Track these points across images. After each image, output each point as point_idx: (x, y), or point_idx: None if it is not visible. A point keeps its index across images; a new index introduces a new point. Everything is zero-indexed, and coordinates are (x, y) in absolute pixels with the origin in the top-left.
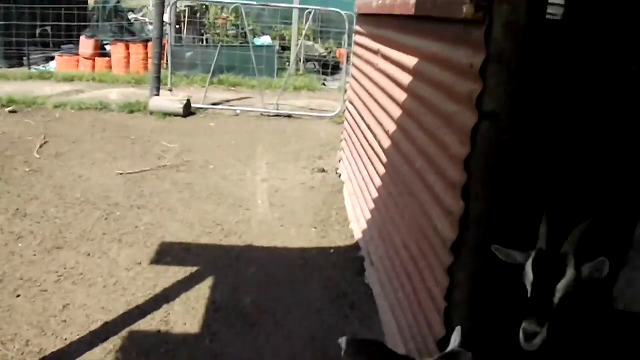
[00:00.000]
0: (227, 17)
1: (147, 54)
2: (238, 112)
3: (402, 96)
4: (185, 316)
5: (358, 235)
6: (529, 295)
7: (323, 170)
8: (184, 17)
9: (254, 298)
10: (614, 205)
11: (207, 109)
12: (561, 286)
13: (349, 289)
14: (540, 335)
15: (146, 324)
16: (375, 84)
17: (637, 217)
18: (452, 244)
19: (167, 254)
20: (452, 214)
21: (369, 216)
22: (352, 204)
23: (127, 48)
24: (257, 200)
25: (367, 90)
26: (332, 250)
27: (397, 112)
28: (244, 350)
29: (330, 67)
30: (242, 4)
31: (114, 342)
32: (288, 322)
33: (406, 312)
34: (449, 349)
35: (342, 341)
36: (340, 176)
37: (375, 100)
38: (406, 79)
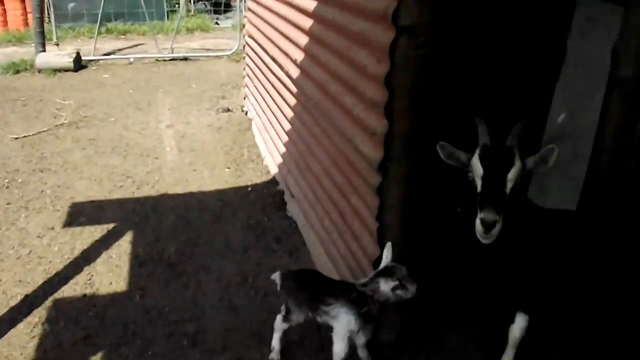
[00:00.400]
0: None
1: (25, 8)
2: (131, 60)
3: (307, 22)
4: (110, 275)
5: (274, 170)
6: (479, 189)
7: (228, 110)
8: None
9: (177, 246)
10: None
11: (98, 60)
12: (511, 175)
13: (272, 225)
14: (498, 224)
15: (70, 290)
16: (277, 13)
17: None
18: (378, 164)
19: (79, 215)
20: (375, 134)
21: (283, 149)
22: (263, 139)
23: (2, 4)
24: (164, 147)
25: (268, 22)
26: (249, 189)
27: (303, 40)
28: (175, 301)
29: (222, 6)
30: None
31: (39, 314)
32: (216, 266)
33: (335, 239)
34: (382, 265)
35: (276, 276)
36: (246, 113)
37: (278, 31)
38: (310, 3)
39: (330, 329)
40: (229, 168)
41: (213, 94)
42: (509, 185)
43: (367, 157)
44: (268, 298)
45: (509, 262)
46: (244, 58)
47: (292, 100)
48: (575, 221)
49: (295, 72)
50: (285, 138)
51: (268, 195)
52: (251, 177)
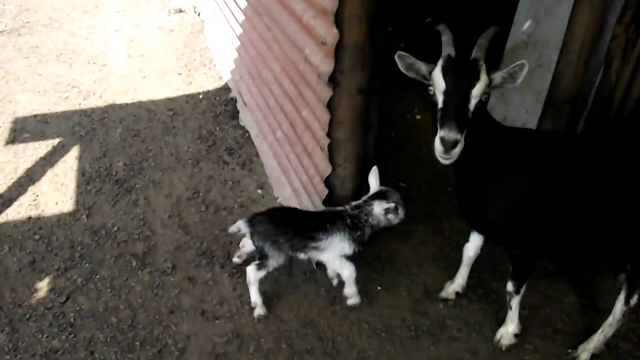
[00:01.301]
0: None
1: None
2: None
3: None
4: (55, 195)
5: (226, 76)
6: (439, 105)
7: (180, 10)
8: None
9: (125, 161)
10: None
11: None
12: (476, 91)
13: (225, 135)
14: (460, 144)
15: (14, 212)
16: None
17: None
18: (328, 77)
19: (22, 130)
20: (325, 44)
21: (235, 54)
22: (215, 43)
23: None
24: (112, 53)
25: None
26: (201, 96)
27: None
28: (124, 219)
29: None
30: None
31: None
32: (165, 179)
33: (287, 151)
34: (374, 189)
35: (240, 225)
36: (199, 14)
37: None
38: None
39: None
40: (180, 74)
41: None
42: (473, 102)
43: (317, 69)
44: (219, 213)
45: (469, 183)
46: None
47: (243, 3)
48: (539, 140)
49: None
50: (238, 42)
51: (220, 103)
52: (203, 84)
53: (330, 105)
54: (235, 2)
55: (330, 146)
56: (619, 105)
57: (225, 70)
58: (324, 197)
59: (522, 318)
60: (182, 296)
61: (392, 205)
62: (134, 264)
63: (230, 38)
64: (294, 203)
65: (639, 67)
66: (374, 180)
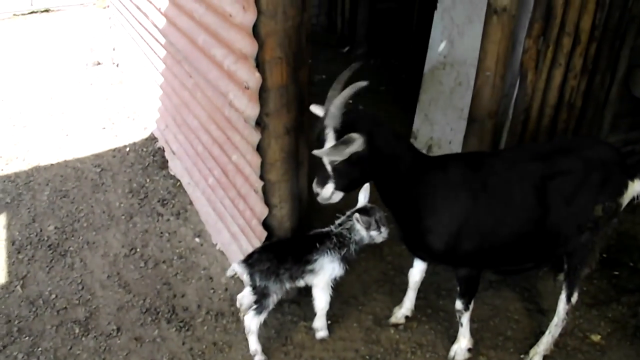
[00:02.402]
0: None
1: None
2: None
3: None
4: None
5: (152, 126)
6: None
7: (98, 63)
8: None
9: (56, 224)
10: None
11: None
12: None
13: (156, 186)
14: (326, 194)
15: None
16: None
17: None
18: (255, 121)
19: None
20: (248, 88)
21: (159, 104)
22: (137, 94)
23: None
24: (31, 111)
25: None
26: (127, 149)
27: None
28: (61, 285)
29: None
30: None
31: None
32: (100, 239)
33: (221, 197)
34: (360, 204)
35: (237, 267)
36: (118, 66)
37: None
38: None
39: None
40: (104, 128)
41: (81, 47)
42: (327, 165)
43: (242, 113)
44: (159, 267)
45: (405, 218)
46: (108, 6)
47: (162, 52)
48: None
49: (161, 21)
50: (160, 91)
51: (148, 154)
52: (129, 136)
53: (259, 148)
54: (153, 51)
55: (264, 188)
56: (538, 114)
57: (150, 120)
58: (263, 239)
59: (473, 331)
60: (131, 358)
61: (369, 219)
62: (77, 330)
63: (152, 87)
64: (233, 248)
65: (551, 76)
66: (362, 197)
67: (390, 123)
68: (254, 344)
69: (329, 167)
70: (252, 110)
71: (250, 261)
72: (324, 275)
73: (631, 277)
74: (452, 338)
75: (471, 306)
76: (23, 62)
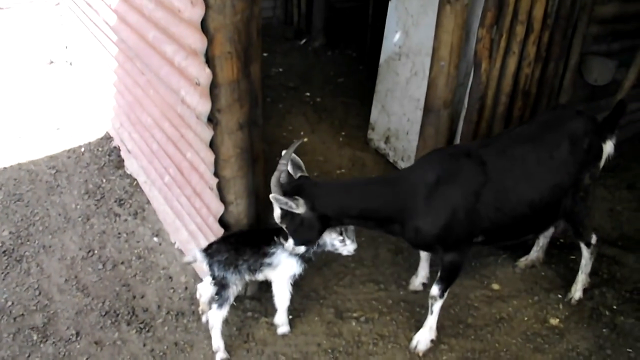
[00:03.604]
0: None
1: None
2: None
3: None
4: None
5: (107, 125)
6: None
7: (51, 62)
8: None
9: (11, 229)
10: None
11: None
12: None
13: (112, 186)
14: (286, 247)
15: None
16: None
17: None
18: (207, 117)
19: None
20: (199, 84)
21: (113, 102)
22: (92, 92)
23: None
24: None
25: None
26: (82, 149)
27: None
28: (17, 291)
29: None
30: None
31: None
32: (57, 242)
33: (177, 195)
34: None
35: (196, 254)
36: (71, 64)
37: None
38: None
39: None
40: (58, 129)
41: (32, 45)
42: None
43: (194, 110)
44: (118, 268)
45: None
46: (59, 3)
47: (115, 49)
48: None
49: (112, 17)
50: (114, 89)
51: (104, 154)
52: (84, 136)
53: (213, 145)
54: (106, 48)
55: (219, 185)
56: (493, 102)
57: (105, 119)
58: (219, 236)
59: None
60: None
61: (340, 237)
62: (35, 337)
63: (106, 86)
64: (192, 246)
65: (505, 65)
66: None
67: (348, 115)
68: (216, 340)
69: (284, 227)
70: (204, 106)
71: (209, 251)
72: (282, 270)
73: None
74: (414, 328)
75: (445, 295)
76: None
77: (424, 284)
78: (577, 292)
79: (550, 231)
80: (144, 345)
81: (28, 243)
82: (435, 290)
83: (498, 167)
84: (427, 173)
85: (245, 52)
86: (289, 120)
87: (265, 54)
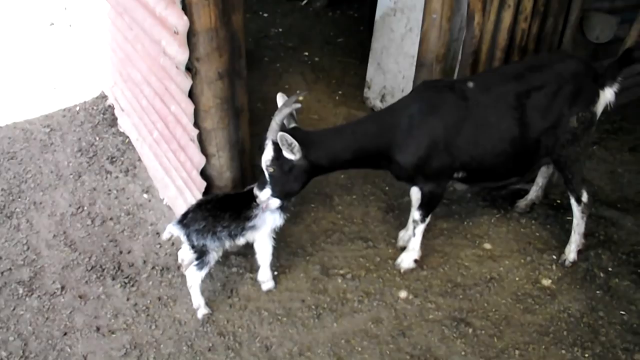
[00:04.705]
0: None
1: None
2: None
3: None
4: None
5: (102, 83)
6: None
7: (51, 24)
8: None
9: (3, 186)
10: None
11: None
12: (265, 166)
13: (105, 144)
14: (259, 197)
15: None
16: None
17: None
18: (185, 65)
19: None
20: (178, 33)
21: (107, 61)
22: (88, 51)
23: None
24: None
25: None
26: (77, 108)
27: None
28: (6, 247)
29: None
30: None
31: None
32: (47, 199)
33: (165, 150)
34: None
35: (171, 229)
36: (70, 26)
37: None
38: None
39: None
40: (55, 88)
41: (33, 8)
42: (266, 172)
43: (174, 59)
44: (106, 224)
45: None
46: None
47: (107, 7)
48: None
49: None
50: (108, 47)
51: (98, 113)
52: (79, 95)
53: (193, 95)
54: (100, 7)
55: (200, 137)
56: (487, 57)
57: (100, 78)
58: (202, 189)
59: (422, 277)
60: (75, 315)
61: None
62: (21, 291)
63: (101, 45)
64: (179, 202)
65: (500, 19)
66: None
67: (345, 75)
68: (196, 299)
69: (266, 173)
70: (182, 55)
71: (185, 221)
72: (265, 228)
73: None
74: (402, 286)
75: (427, 220)
76: None
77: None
78: (571, 253)
79: (549, 171)
80: (128, 299)
81: (19, 200)
82: (416, 214)
83: (480, 102)
84: (410, 105)
85: (223, 1)
86: (286, 80)
87: (265, 15)
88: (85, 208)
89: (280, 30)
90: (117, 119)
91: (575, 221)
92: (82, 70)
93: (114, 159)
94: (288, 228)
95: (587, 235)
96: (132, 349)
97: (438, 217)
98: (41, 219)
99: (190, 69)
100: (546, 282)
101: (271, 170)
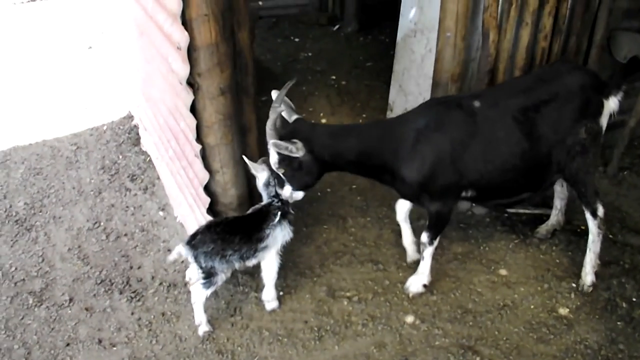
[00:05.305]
0: None
1: None
2: None
3: None
4: None
5: (129, 104)
6: None
7: (90, 47)
8: None
9: (26, 200)
10: None
11: None
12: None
13: (128, 162)
14: (283, 194)
15: None
16: None
17: None
18: (187, 80)
19: None
20: (180, 49)
21: (132, 80)
22: (118, 71)
23: None
24: (18, 93)
25: None
26: (105, 127)
27: None
28: (22, 258)
29: None
30: None
31: None
32: (67, 214)
33: (178, 167)
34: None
35: (180, 250)
36: (90, 48)
37: None
38: None
39: None
40: (86, 108)
41: (73, 32)
42: (280, 172)
43: (178, 75)
44: (120, 240)
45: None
46: None
47: (131, 27)
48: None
49: None
50: (132, 67)
51: (124, 132)
52: (109, 115)
53: (196, 111)
54: (128, 29)
55: (204, 152)
56: (505, 77)
57: (127, 97)
58: (207, 205)
59: (431, 303)
60: (80, 327)
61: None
62: (31, 301)
63: (128, 64)
64: (191, 219)
65: (518, 37)
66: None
67: (371, 98)
68: (199, 315)
69: (280, 173)
70: (184, 70)
71: (193, 242)
72: (276, 246)
73: (608, 250)
74: (410, 311)
75: (435, 242)
76: (19, 48)
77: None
78: (587, 275)
79: (566, 193)
80: (132, 313)
81: (40, 213)
82: (424, 237)
83: (488, 118)
84: (418, 119)
85: (223, 16)
86: (310, 102)
87: (296, 39)
88: (102, 224)
89: (310, 54)
90: (140, 138)
91: (590, 237)
92: (112, 91)
93: (134, 177)
94: (298, 249)
95: (610, 263)
96: None
97: (453, 241)
98: (59, 232)
99: (192, 84)
100: (563, 311)
101: (282, 170)
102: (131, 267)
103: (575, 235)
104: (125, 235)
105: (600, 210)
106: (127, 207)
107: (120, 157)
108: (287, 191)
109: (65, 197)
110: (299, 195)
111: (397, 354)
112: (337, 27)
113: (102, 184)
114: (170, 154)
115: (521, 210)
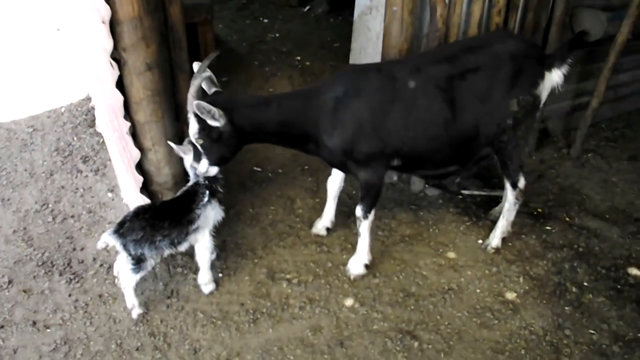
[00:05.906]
0: None
1: None
2: None
3: None
4: None
5: (87, 85)
6: None
7: (58, 29)
8: None
9: None
10: None
11: None
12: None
13: (82, 143)
14: (198, 169)
15: None
16: None
17: None
18: (111, 54)
19: None
20: (105, 22)
21: (87, 61)
22: (75, 53)
23: None
24: None
25: None
26: (63, 109)
27: None
28: None
29: None
30: None
31: None
32: (16, 196)
33: (120, 148)
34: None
35: (106, 239)
36: (58, 30)
37: None
38: None
39: None
40: (46, 91)
41: (42, 13)
42: (198, 145)
43: (104, 49)
44: (66, 222)
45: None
46: None
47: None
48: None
49: None
50: (87, 48)
51: (81, 114)
52: (67, 97)
53: (123, 86)
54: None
55: (134, 130)
56: None
57: (85, 79)
58: (140, 185)
59: (372, 285)
60: (16, 309)
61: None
62: None
63: (83, 45)
64: (135, 200)
65: (470, 12)
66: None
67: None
68: (130, 299)
69: (199, 146)
70: (109, 44)
71: (121, 231)
72: (208, 226)
73: (564, 233)
74: (350, 294)
75: (370, 216)
76: None
77: (327, 229)
78: (494, 239)
79: None
80: (70, 295)
81: None
82: (358, 210)
83: (409, 84)
84: (336, 86)
85: None
86: (272, 83)
87: (265, 20)
88: (50, 205)
89: (277, 35)
90: (95, 119)
91: (506, 205)
92: (73, 73)
93: (87, 159)
94: (242, 230)
95: (564, 246)
96: (62, 344)
97: (402, 222)
98: (6, 215)
99: (118, 59)
100: (510, 295)
101: (201, 142)
102: (74, 249)
103: (530, 218)
104: (72, 217)
105: (522, 182)
106: (76, 188)
107: (75, 138)
108: (203, 166)
109: (16, 179)
110: (214, 170)
111: (332, 337)
112: (307, 8)
113: (54, 166)
114: (116, 135)
115: (476, 192)
